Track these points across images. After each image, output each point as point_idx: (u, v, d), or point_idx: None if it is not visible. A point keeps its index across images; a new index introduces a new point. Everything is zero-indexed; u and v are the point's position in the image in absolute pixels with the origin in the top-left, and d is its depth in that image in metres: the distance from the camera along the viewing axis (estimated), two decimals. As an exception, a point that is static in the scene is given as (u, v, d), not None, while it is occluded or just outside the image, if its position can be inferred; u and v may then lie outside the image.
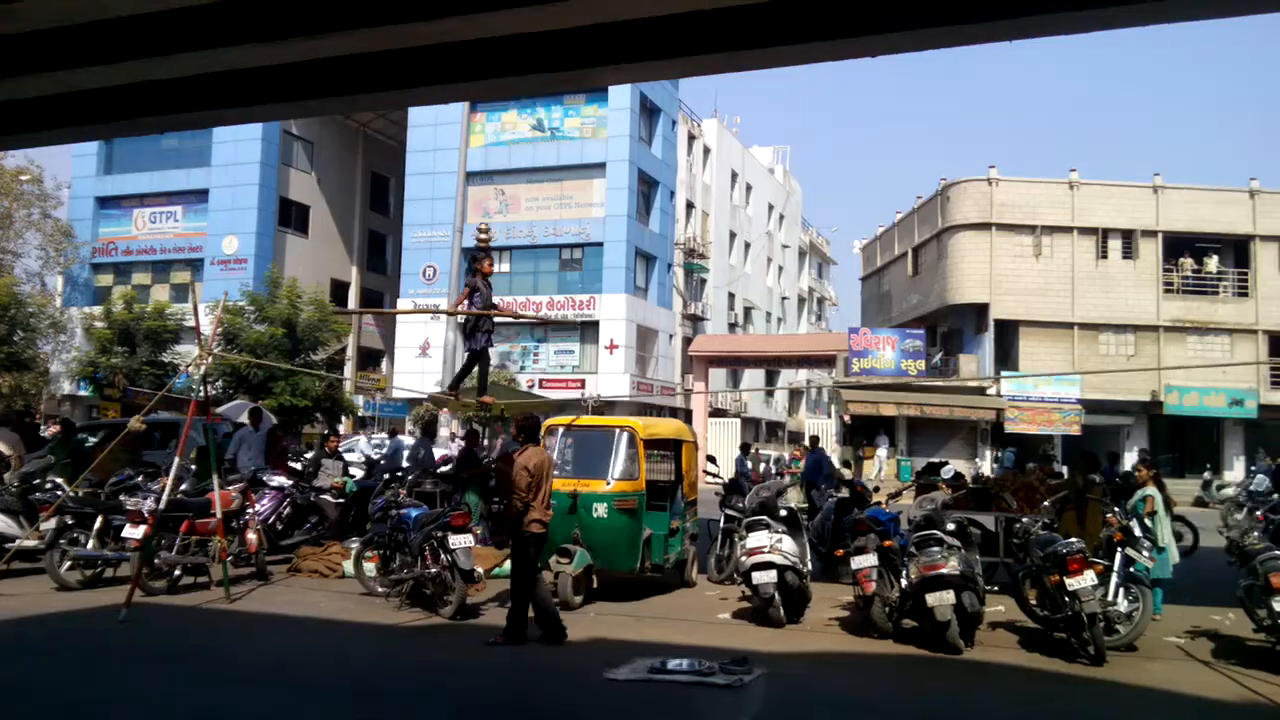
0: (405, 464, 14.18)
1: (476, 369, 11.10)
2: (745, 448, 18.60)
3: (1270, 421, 34.47)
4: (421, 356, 40.71)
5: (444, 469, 13.98)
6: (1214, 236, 35.79)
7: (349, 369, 43.02)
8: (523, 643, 7.93)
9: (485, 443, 15.87)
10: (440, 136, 39.21)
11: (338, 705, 6.50)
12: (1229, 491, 27.46)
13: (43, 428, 20.08)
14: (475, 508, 12.67)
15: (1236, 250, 36.08)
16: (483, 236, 10.74)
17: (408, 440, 19.81)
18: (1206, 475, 32.30)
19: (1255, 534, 9.08)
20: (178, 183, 43.39)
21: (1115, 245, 35.32)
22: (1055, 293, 34.83)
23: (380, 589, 9.93)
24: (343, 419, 36.44)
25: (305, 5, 8.74)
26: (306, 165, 45.67)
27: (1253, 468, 28.34)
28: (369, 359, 48.16)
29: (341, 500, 13.08)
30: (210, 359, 10.47)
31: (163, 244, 44.26)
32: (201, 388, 10.82)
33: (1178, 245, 35.60)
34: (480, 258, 10.65)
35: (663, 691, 6.68)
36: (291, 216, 44.71)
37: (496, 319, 11.20)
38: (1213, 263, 35.87)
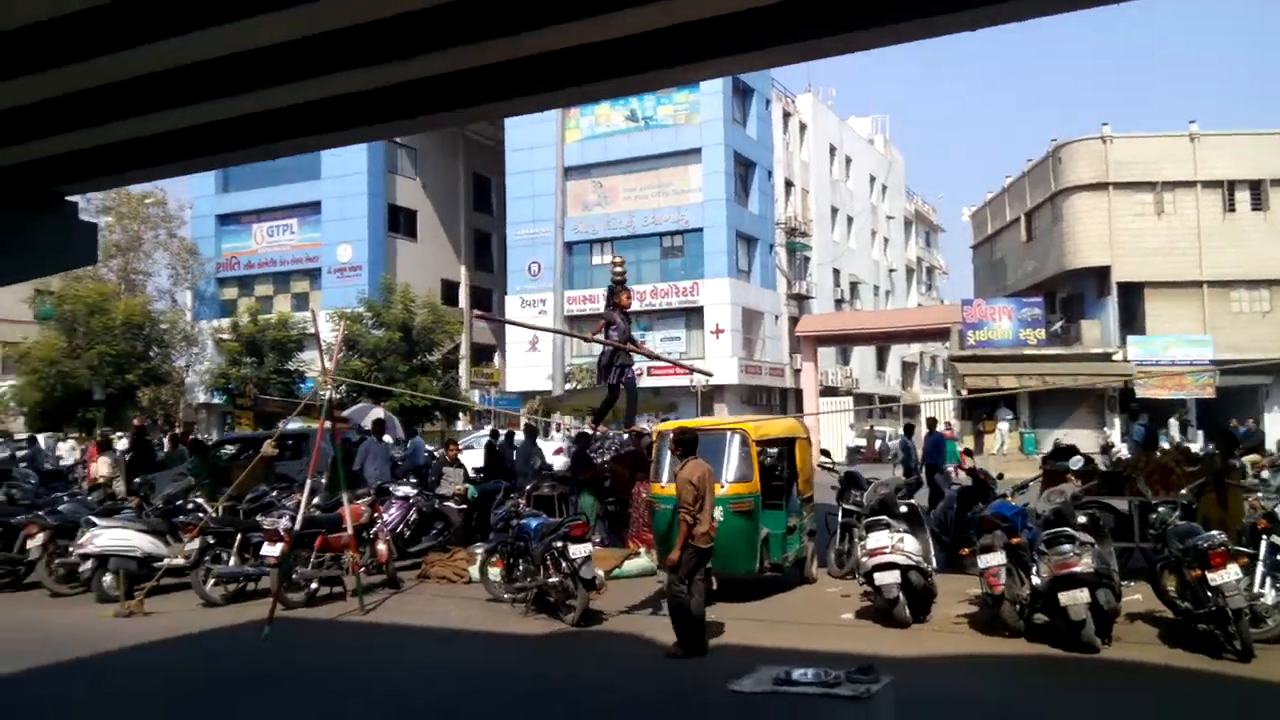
0: (516, 467, 14.49)
1: (623, 398, 11.07)
2: (909, 429, 17.65)
3: None
4: (531, 351, 41.42)
5: (556, 469, 14.24)
6: (1352, 179, 33.41)
7: (463, 367, 44.09)
8: (703, 652, 7.97)
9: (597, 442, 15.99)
10: (537, 135, 39.68)
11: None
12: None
13: (159, 443, 21.28)
14: (591, 509, 12.85)
15: (1377, 193, 33.60)
16: (618, 271, 10.70)
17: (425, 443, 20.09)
18: (1359, 436, 30.26)
19: None
20: (292, 196, 45.17)
21: (1243, 197, 33.38)
22: (1181, 251, 33.15)
23: (506, 595, 10.18)
24: (460, 415, 37.42)
25: (395, 30, 9.04)
26: (411, 171, 46.94)
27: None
28: (481, 354, 49.30)
29: (464, 506, 13.44)
30: (332, 383, 10.88)
31: (281, 256, 46.20)
32: (327, 404, 11.29)
33: (1314, 192, 33.38)
34: (617, 291, 10.59)
35: (789, 704, 6.66)
36: (400, 222, 46.09)
37: (633, 353, 11.15)
38: (1355, 207, 33.49)
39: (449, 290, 47.73)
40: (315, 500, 11.86)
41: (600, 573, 9.75)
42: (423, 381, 30.05)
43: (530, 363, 40.52)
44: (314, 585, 10.55)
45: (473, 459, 20.06)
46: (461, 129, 48.79)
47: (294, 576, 10.24)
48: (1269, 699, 6.81)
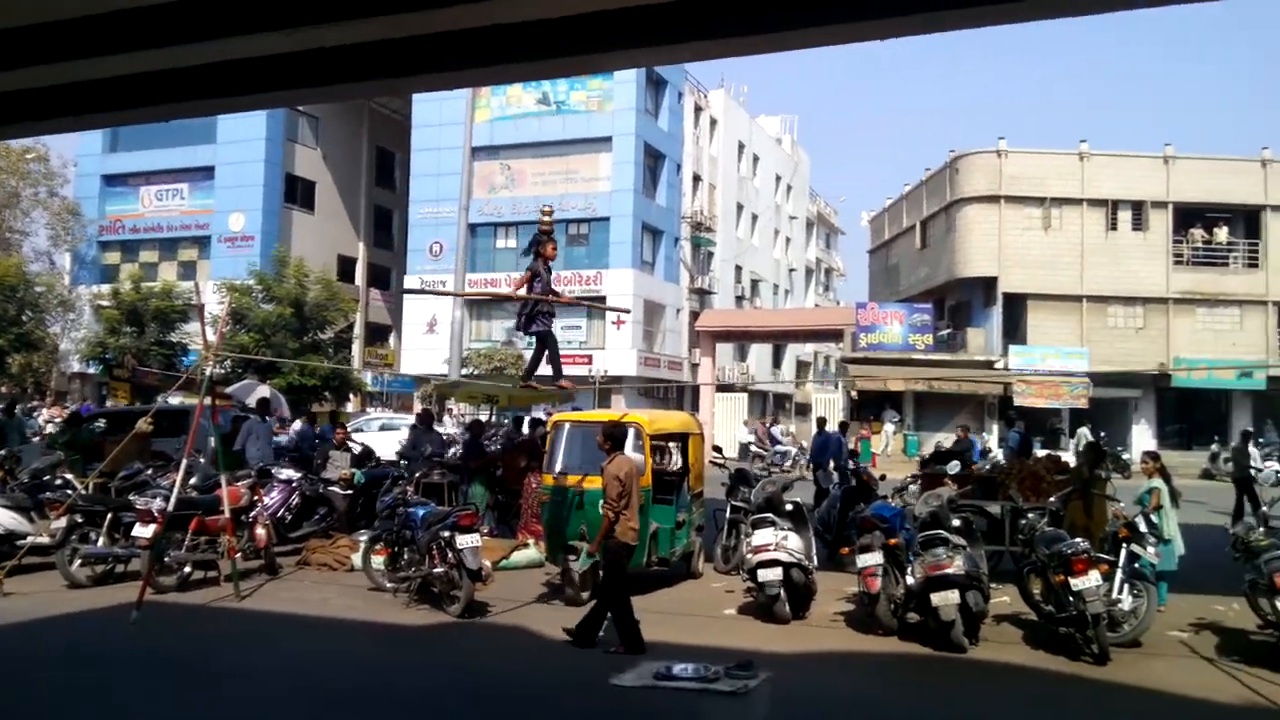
0: (400, 456, 14.23)
1: (547, 353, 10.90)
2: (844, 426, 17.84)
3: (1279, 392, 34.38)
4: (429, 333, 40.77)
5: (447, 458, 14.04)
6: (1224, 207, 35.49)
7: (357, 346, 43.11)
8: (641, 651, 7.78)
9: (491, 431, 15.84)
10: (446, 111, 38.97)
11: (340, 712, 6.58)
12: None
13: (27, 416, 20.13)
14: (481, 499, 12.74)
15: (1247, 221, 35.76)
16: (545, 220, 10.55)
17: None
18: (1214, 448, 32.28)
19: (1260, 530, 9.06)
20: (184, 160, 43.30)
21: (1125, 217, 35.06)
22: (1064, 265, 34.63)
23: (388, 585, 10.02)
24: (350, 397, 36.59)
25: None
26: (312, 141, 45.54)
27: (1261, 439, 28.31)
28: (377, 335, 48.28)
29: (350, 492, 13.15)
30: (216, 358, 10.49)
31: (169, 221, 44.26)
32: (209, 379, 10.87)
33: (1188, 216, 35.32)
34: (543, 241, 10.45)
35: (668, 699, 6.74)
36: (298, 193, 44.68)
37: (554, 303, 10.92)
38: (1223, 233, 35.58)
39: (346, 266, 46.51)
40: (192, 480, 11.47)
41: (487, 564, 9.69)
42: (313, 359, 29.24)
43: (427, 345, 39.86)
44: (187, 569, 10.19)
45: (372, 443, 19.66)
46: (367, 101, 47.60)
47: (166, 559, 9.88)
48: (1121, 701, 7.19)
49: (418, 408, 35.51)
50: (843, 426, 17.99)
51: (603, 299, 39.61)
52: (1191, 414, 35.54)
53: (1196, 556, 10.22)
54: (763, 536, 9.26)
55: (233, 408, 17.66)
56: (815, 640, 8.66)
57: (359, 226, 48.36)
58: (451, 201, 35.18)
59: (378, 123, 48.76)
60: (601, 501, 8.22)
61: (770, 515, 9.63)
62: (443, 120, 39.86)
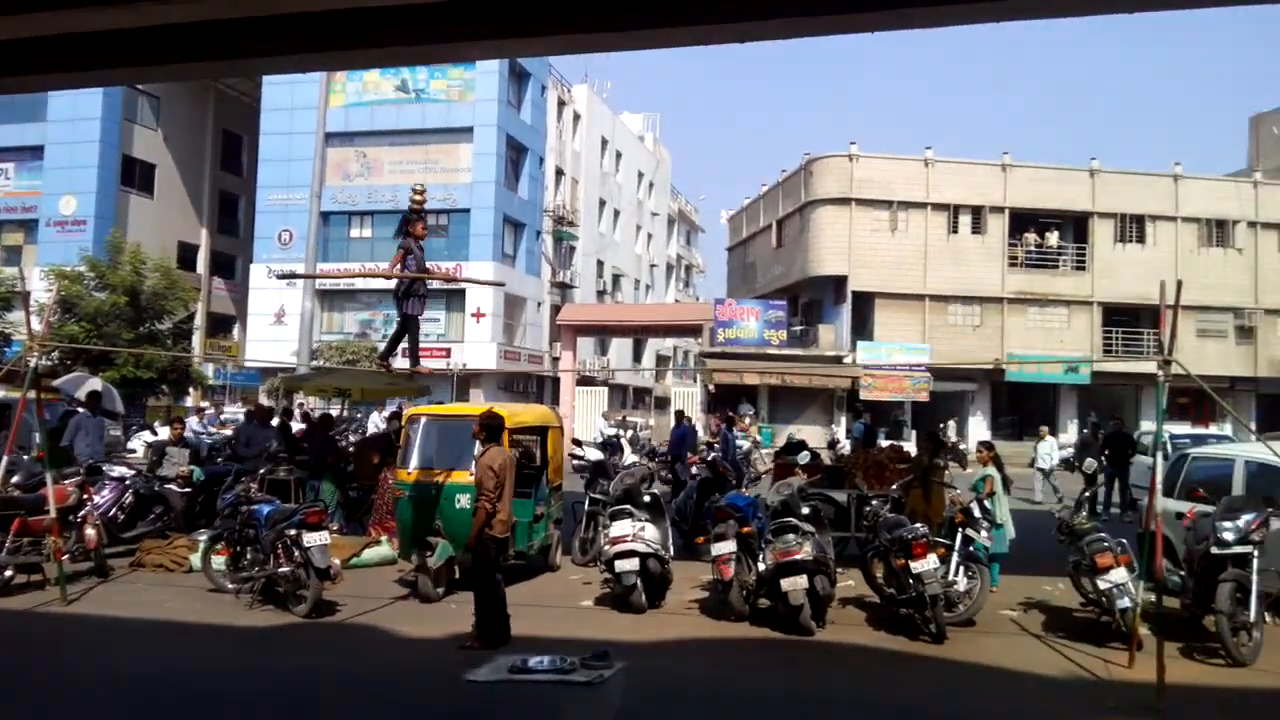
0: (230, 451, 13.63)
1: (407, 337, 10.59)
2: (730, 421, 17.93)
3: (1101, 387, 37.02)
4: (277, 324, 39.26)
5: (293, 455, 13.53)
6: (1056, 213, 37.91)
7: (197, 338, 41.05)
8: (506, 643, 7.73)
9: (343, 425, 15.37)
10: (298, 95, 37.57)
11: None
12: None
13: None
14: (331, 496, 12.35)
15: (1076, 226, 38.32)
16: (418, 198, 10.26)
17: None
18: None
19: (1083, 514, 9.73)
20: (10, 138, 40.31)
21: (965, 220, 36.98)
22: (909, 266, 36.24)
23: (230, 585, 9.60)
24: (191, 391, 34.85)
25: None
26: (152, 122, 43.04)
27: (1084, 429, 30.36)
28: (220, 325, 46.10)
29: (188, 490, 12.51)
30: (41, 351, 9.78)
31: (-9, 203, 41.04)
32: (34, 372, 10.14)
33: (1023, 221, 37.56)
34: (414, 220, 10.15)
35: (524, 692, 6.71)
36: (136, 175, 42.15)
37: (429, 284, 10.66)
38: (1054, 238, 38.00)
39: (187, 254, 44.15)
40: (15, 479, 10.70)
41: (336, 562, 9.41)
42: (149, 350, 27.62)
43: (274, 337, 38.36)
44: (8, 572, 9.50)
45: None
46: (214, 81, 45.32)
47: (-17, 563, 9.15)
48: (957, 676, 7.58)
49: (264, 402, 34.20)
50: (729, 421, 18.17)
51: (462, 292, 39.09)
52: (1023, 406, 37.81)
53: (1026, 540, 10.91)
54: (620, 528, 9.35)
55: (60, 401, 16.54)
56: (670, 628, 8.79)
57: (202, 212, 46.02)
58: (303, 188, 33.89)
59: (224, 104, 46.52)
60: (475, 494, 8.04)
61: (628, 507, 9.74)
62: (294, 104, 38.42)
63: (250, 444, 13.41)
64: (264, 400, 34.17)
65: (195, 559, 10.58)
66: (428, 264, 10.87)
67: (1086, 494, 18.39)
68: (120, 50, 10.18)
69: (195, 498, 12.60)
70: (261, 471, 12.26)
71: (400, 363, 11.91)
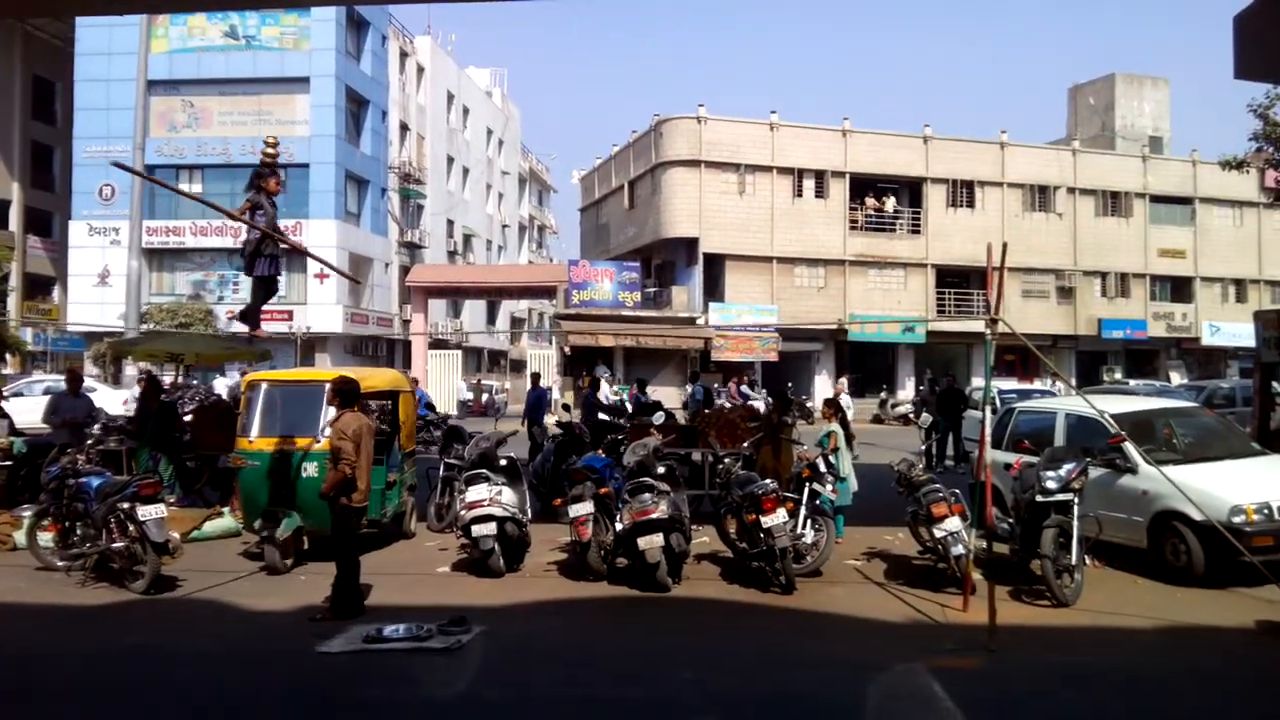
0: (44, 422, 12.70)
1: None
2: (536, 377, 17.70)
3: (936, 345, 39.06)
4: (101, 285, 36.75)
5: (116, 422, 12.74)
6: (893, 178, 39.51)
7: (12, 300, 37.96)
8: (360, 614, 7.54)
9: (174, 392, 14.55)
10: (116, 39, 34.91)
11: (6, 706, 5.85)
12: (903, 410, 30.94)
13: None
14: (166, 467, 11.70)
15: (911, 191, 40.05)
16: (270, 151, 9.57)
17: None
18: (883, 395, 36.18)
19: (919, 467, 10.26)
20: None
21: (809, 185, 38.06)
22: (757, 228, 37.09)
23: (59, 563, 9.04)
24: (7, 358, 32.28)
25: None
26: (-53, 62, 39.08)
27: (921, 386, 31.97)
28: (37, 287, 42.71)
29: (9, 463, 11.61)
30: None
31: None
32: None
33: (862, 185, 38.96)
34: (266, 175, 9.48)
35: (380, 662, 6.57)
36: (-70, 122, 38.26)
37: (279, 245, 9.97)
38: (890, 203, 39.61)
39: (-3, 210, 40.65)
40: None
41: (175, 535, 8.96)
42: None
43: (99, 298, 35.89)
44: None
45: (23, 408, 17.49)
46: (19, 21, 41.45)
47: None
48: (806, 624, 7.91)
49: (90, 369, 32.03)
50: (594, 383, 18.12)
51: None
52: (865, 364, 39.54)
53: (869, 487, 11.44)
54: (477, 492, 9.25)
55: None
56: (529, 591, 8.79)
57: (12, 164, 42.26)
58: (125, 140, 31.61)
59: (35, 47, 42.63)
60: (331, 461, 7.79)
61: (484, 471, 9.63)
62: (113, 49, 35.74)
63: (57, 412, 12.44)
64: (90, 367, 32.03)
65: (20, 536, 9.89)
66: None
67: (923, 447, 19.48)
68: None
69: (17, 470, 11.70)
70: (89, 442, 11.48)
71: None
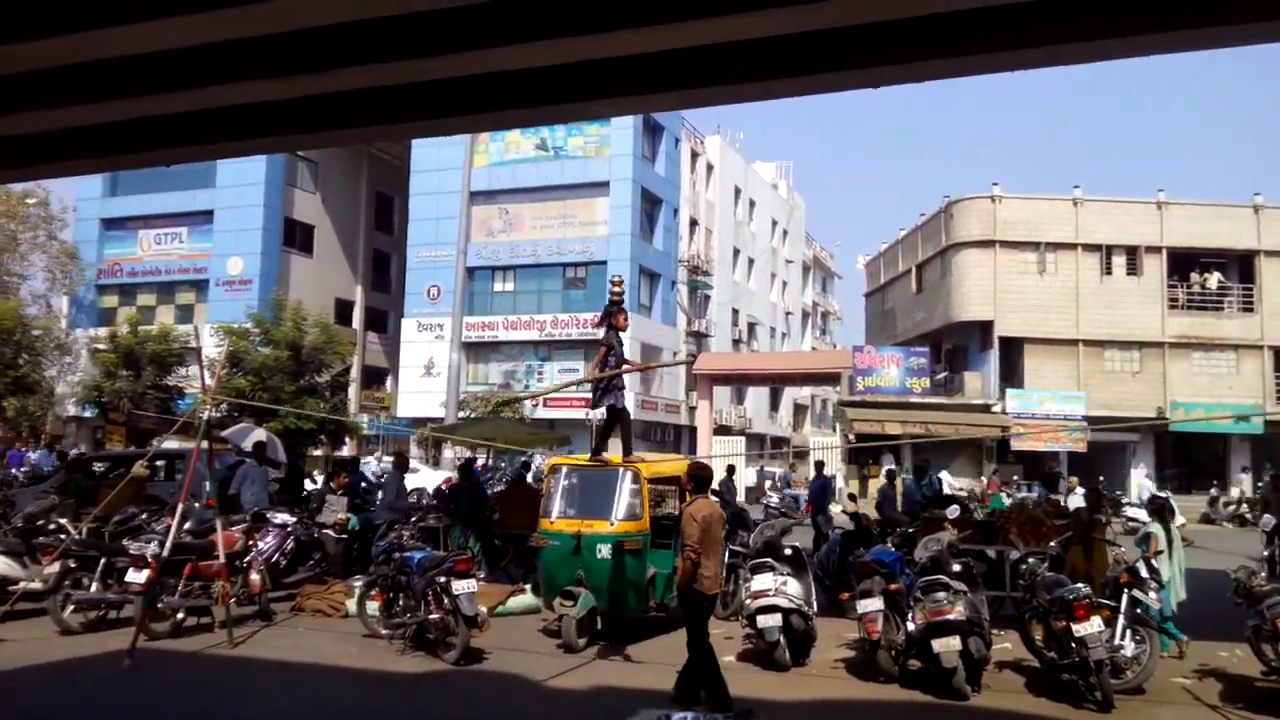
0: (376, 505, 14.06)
1: (619, 427, 10.80)
2: (730, 469, 18.08)
3: (1277, 435, 34.32)
4: (426, 376, 40.77)
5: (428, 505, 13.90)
6: (1218, 252, 35.72)
7: (353, 390, 43.09)
8: (727, 709, 7.33)
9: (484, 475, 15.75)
10: (444, 156, 39.37)
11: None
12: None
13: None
14: (474, 545, 12.63)
15: (1241, 266, 35.98)
16: (616, 290, 10.47)
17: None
18: (1213, 492, 32.19)
19: (1262, 575, 9.01)
20: (182, 204, 43.55)
21: (1119, 262, 35.26)
22: (1059, 309, 34.75)
23: (383, 631, 9.90)
24: (346, 440, 36.48)
25: (304, 43, 8.79)
26: (311, 185, 45.87)
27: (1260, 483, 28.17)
28: (373, 378, 48.25)
29: (344, 536, 13.04)
30: (213, 402, 10.46)
31: (168, 265, 44.45)
32: (206, 423, 10.81)
33: (1182, 261, 35.52)
34: (615, 312, 10.38)
35: (667, 748, 6.62)
36: (296, 236, 44.93)
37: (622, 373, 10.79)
38: (1214, 279, 35.78)
39: (343, 309, 46.66)
40: (187, 525, 11.37)
41: (484, 609, 9.58)
42: (309, 403, 29.15)
43: (424, 388, 39.87)
44: (180, 615, 10.06)
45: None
46: (366, 146, 48.06)
47: (160, 605, 9.73)
48: (1124, 748, 7.10)
49: (414, 452, 35.44)
50: (818, 467, 17.76)
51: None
52: (1190, 457, 35.46)
53: (1199, 595, 10.16)
54: (762, 581, 9.18)
55: (229, 452, 17.58)
56: (816, 688, 8.55)
57: (357, 270, 48.58)
58: (449, 245, 35.45)
59: (377, 168, 49.19)
60: (680, 546, 7.79)
61: (769, 560, 9.56)
62: (441, 165, 40.28)
63: (395, 494, 13.86)
64: (414, 450, 35.42)
65: (351, 604, 10.98)
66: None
67: (1265, 553, 17.03)
68: (279, 119, 10.90)
69: (351, 545, 13.11)
70: (414, 519, 12.68)
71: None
